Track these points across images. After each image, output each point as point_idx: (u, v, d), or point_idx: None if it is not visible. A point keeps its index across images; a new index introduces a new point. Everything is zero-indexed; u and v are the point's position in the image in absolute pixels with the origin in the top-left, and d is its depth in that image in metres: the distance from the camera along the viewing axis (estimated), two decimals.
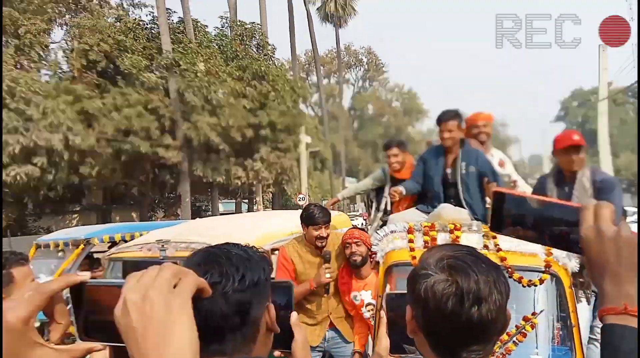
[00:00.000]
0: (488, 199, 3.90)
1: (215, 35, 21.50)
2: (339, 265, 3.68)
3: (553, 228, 0.81)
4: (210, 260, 0.99)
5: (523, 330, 2.95)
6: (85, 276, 0.77)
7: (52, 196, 17.03)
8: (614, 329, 0.75)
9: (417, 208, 4.11)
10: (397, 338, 1.37)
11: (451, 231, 3.28)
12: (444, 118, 3.89)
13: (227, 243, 1.08)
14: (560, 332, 2.93)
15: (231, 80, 19.08)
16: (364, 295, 3.56)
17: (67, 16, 23.87)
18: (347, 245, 3.56)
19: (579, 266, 3.12)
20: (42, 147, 15.54)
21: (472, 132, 4.51)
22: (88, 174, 17.44)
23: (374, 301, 3.48)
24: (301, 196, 21.36)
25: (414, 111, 47.57)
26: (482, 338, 0.98)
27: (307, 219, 3.57)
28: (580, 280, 3.39)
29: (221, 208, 23.55)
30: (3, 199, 16.71)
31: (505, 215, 0.86)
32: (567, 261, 3.04)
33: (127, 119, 17.39)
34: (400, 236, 3.43)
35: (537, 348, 2.92)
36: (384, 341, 1.42)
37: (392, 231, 3.47)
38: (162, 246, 3.77)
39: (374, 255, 3.51)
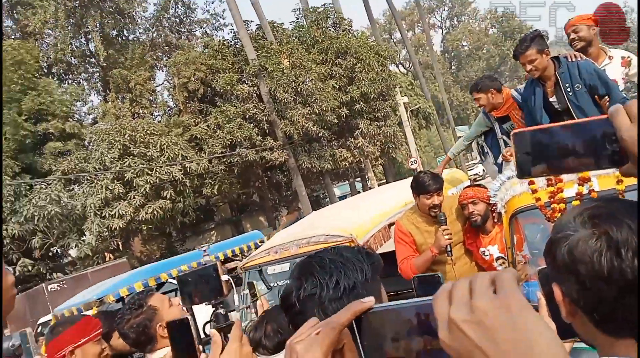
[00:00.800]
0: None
1: (292, 29, 21.79)
2: (462, 226, 3.53)
3: (589, 149, 0.70)
4: (305, 272, 0.98)
5: None
6: (371, 301, 0.69)
7: (187, 221, 18.74)
8: None
9: None
10: (562, 320, 1.09)
11: None
12: (518, 52, 3.46)
13: (324, 250, 1.06)
14: None
15: (315, 66, 19.10)
16: (492, 250, 3.40)
17: (164, 59, 26.21)
18: (464, 206, 3.43)
19: None
20: (166, 181, 17.11)
21: (571, 42, 3.87)
22: (211, 193, 18.81)
23: (503, 255, 3.31)
24: (412, 159, 20.66)
25: (515, 32, 43.10)
26: None
27: (418, 188, 3.45)
28: None
29: (337, 192, 23.84)
30: (145, 234, 18.78)
31: (533, 155, 0.74)
32: None
33: (230, 134, 18.34)
34: (519, 181, 3.17)
35: None
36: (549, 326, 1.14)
37: (509, 178, 3.27)
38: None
39: (494, 207, 3.33)
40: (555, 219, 2.87)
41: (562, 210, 2.88)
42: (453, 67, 45.24)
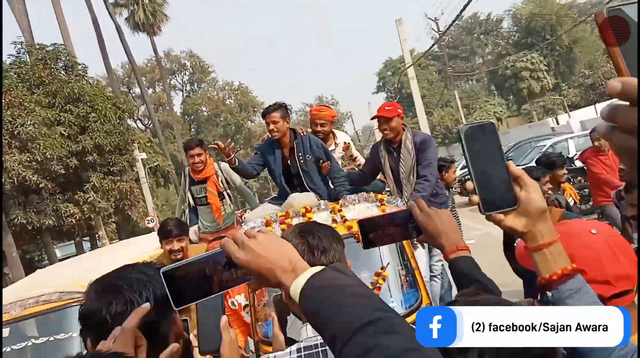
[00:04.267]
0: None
1: (10, 63, 18.72)
2: None
3: (401, 226, 1.22)
4: (112, 290, 1.03)
5: (377, 285, 3.23)
6: (146, 306, 0.97)
7: None
8: (456, 261, 1.24)
9: (269, 202, 4.32)
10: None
11: (303, 215, 3.55)
12: (267, 111, 4.07)
13: (124, 267, 1.11)
14: (407, 278, 3.27)
15: (40, 109, 16.84)
16: (240, 299, 3.63)
17: None
18: None
19: None
20: None
21: (314, 129, 4.76)
22: None
23: (248, 302, 3.57)
24: (149, 218, 19.93)
25: (249, 105, 47.81)
26: None
27: (160, 233, 3.60)
28: None
29: (58, 253, 20.81)
30: None
31: (370, 233, 1.21)
32: None
33: None
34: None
35: (391, 297, 3.20)
36: (280, 337, 1.60)
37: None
38: None
39: None
40: None
41: None
42: (192, 130, 46.58)
